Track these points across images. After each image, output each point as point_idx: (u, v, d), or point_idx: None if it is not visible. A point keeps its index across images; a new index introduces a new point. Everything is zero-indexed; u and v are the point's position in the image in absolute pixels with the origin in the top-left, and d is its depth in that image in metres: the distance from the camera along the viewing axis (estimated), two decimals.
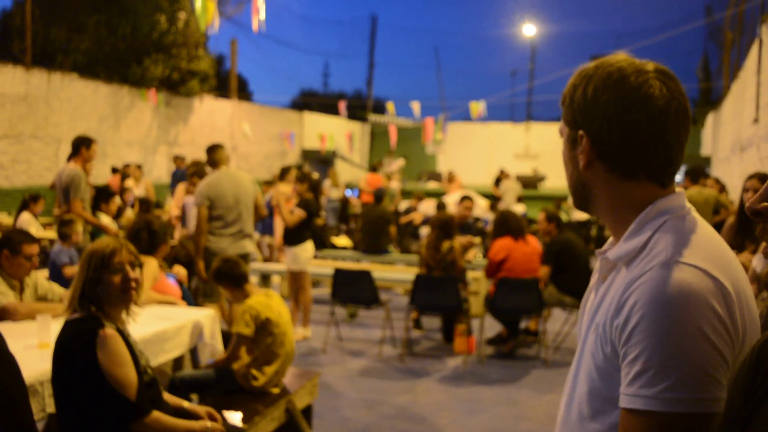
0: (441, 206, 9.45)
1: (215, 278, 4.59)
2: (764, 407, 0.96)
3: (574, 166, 1.36)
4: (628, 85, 1.27)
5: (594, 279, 1.41)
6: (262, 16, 9.62)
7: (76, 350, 2.78)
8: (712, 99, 26.98)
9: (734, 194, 11.61)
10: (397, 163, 23.67)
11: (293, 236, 7.51)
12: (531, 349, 7.33)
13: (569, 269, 6.98)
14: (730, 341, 1.13)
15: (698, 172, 8.82)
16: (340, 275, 7.10)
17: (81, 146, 6.67)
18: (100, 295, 2.88)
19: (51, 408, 3.11)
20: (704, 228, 1.27)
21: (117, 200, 8.49)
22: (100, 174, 14.76)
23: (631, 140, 1.27)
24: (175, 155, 16.62)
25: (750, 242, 4.94)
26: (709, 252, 1.20)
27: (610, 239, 1.40)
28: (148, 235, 4.99)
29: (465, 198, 9.51)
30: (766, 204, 1.01)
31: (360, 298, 7.11)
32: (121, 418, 2.80)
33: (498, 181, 16.83)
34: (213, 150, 6.73)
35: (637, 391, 1.13)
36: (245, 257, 6.58)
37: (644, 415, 1.13)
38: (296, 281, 7.64)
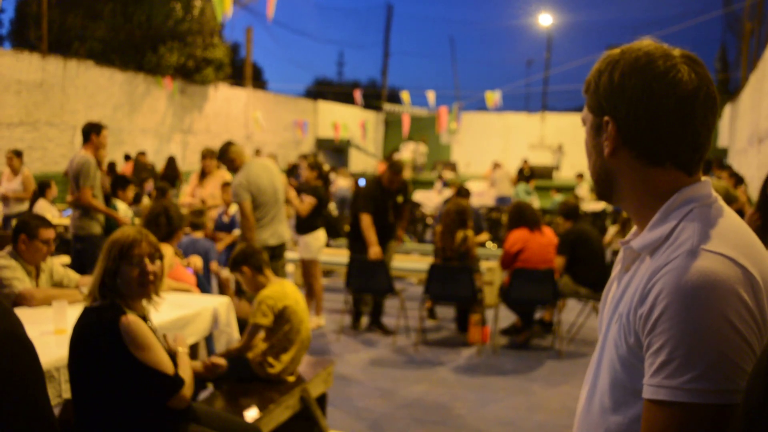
0: (464, 193, 9.38)
1: (233, 266, 4.57)
2: None
3: (598, 154, 1.34)
4: (656, 69, 1.24)
5: (617, 269, 1.39)
6: (271, 12, 9.60)
7: (101, 339, 2.77)
8: (729, 90, 26.75)
9: (751, 186, 11.52)
10: (419, 146, 23.56)
11: (305, 225, 7.49)
12: (545, 340, 7.30)
13: (585, 260, 6.94)
14: (758, 331, 1.11)
15: (710, 164, 8.84)
16: (354, 265, 7.08)
17: (91, 133, 6.64)
18: (119, 286, 2.88)
19: (67, 394, 3.12)
20: (731, 217, 1.24)
21: (133, 188, 8.49)
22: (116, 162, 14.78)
23: (659, 125, 1.24)
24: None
25: None
26: (736, 241, 1.18)
27: (634, 229, 1.37)
28: (166, 220, 4.98)
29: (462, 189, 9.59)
30: None
31: (375, 287, 7.09)
32: (161, 395, 2.84)
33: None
34: (227, 149, 6.49)
35: (661, 382, 1.11)
36: (282, 246, 6.57)
37: (669, 407, 1.11)
38: (308, 270, 7.63)
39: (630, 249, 1.30)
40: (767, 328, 1.13)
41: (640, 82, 1.24)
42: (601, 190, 1.38)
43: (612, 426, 1.26)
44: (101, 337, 2.78)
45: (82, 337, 2.83)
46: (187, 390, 2.91)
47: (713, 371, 1.08)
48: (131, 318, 2.80)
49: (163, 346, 2.93)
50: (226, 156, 6.51)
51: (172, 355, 3.02)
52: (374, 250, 7.10)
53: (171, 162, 13.83)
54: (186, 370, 3.01)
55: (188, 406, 3.01)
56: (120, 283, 2.88)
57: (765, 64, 13.56)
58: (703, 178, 1.29)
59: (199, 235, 6.55)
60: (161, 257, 3.02)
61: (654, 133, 1.25)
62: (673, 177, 1.27)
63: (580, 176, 18.06)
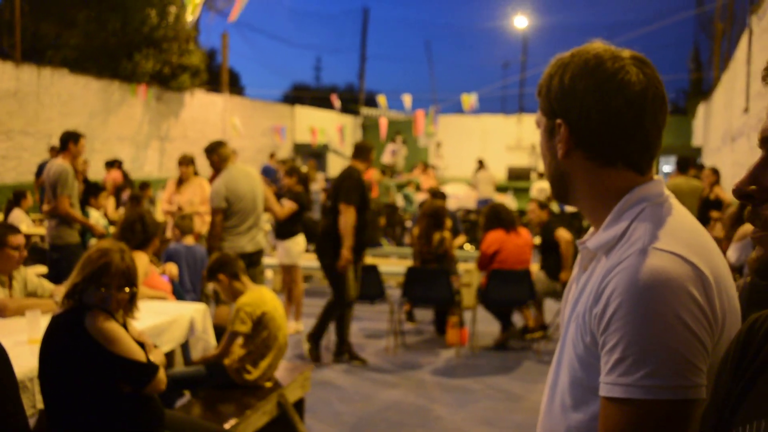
0: (439, 195, 9.41)
1: (209, 275, 4.55)
2: (755, 387, 0.96)
3: (552, 157, 1.36)
4: (605, 71, 1.27)
5: (575, 270, 1.41)
6: (235, 15, 9.53)
7: (70, 341, 2.78)
8: (702, 89, 27.01)
9: (725, 184, 11.64)
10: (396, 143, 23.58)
11: (285, 230, 7.48)
12: (522, 341, 7.34)
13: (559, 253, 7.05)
14: (709, 327, 1.13)
15: (687, 163, 8.97)
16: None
17: (69, 141, 6.63)
18: (85, 300, 2.89)
19: (41, 404, 3.11)
20: (682, 215, 1.27)
21: (107, 195, 8.42)
22: (92, 170, 14.65)
23: (610, 126, 1.27)
24: (51, 146, 12.75)
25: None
26: (687, 239, 1.20)
27: (591, 229, 1.40)
28: (142, 227, 4.96)
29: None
30: (755, 187, 1.00)
31: (366, 293, 6.91)
32: (138, 383, 2.88)
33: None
34: (217, 147, 6.44)
35: (616, 380, 1.13)
36: (260, 253, 6.52)
37: (624, 403, 1.13)
38: (288, 275, 7.63)
39: (587, 249, 1.33)
40: (718, 324, 1.15)
41: (590, 84, 1.27)
42: (557, 191, 1.40)
43: (573, 423, 1.28)
44: (70, 340, 2.79)
45: (50, 345, 2.83)
46: (162, 374, 2.93)
47: (666, 368, 1.10)
48: (95, 314, 2.82)
49: (132, 338, 2.95)
50: (213, 153, 6.43)
51: (142, 346, 3.04)
52: (348, 256, 6.24)
53: None
54: (157, 356, 3.09)
55: (163, 412, 3.02)
56: (86, 298, 2.89)
57: (736, 64, 13.71)
58: (656, 177, 1.32)
59: (189, 240, 6.44)
60: (134, 283, 3.01)
61: (605, 133, 1.28)
62: (626, 177, 1.29)
63: (541, 175, 18.24)
